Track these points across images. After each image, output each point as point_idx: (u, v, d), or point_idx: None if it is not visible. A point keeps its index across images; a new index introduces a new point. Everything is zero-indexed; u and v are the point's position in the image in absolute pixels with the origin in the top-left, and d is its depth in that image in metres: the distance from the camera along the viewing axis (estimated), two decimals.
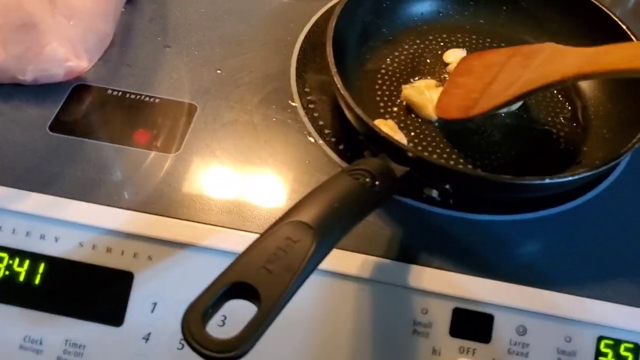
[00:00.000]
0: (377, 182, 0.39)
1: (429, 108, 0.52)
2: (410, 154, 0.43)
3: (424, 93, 0.53)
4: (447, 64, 0.57)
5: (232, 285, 0.32)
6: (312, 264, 0.33)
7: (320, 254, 0.34)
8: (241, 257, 0.33)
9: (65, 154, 0.48)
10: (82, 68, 0.52)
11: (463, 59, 0.55)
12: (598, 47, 0.44)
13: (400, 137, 0.50)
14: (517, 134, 0.52)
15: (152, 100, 0.52)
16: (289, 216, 0.35)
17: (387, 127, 0.50)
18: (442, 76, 0.56)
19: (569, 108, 0.55)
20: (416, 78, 0.55)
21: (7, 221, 0.44)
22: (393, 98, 0.54)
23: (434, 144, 0.51)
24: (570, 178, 0.43)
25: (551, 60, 0.47)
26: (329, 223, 0.35)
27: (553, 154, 0.52)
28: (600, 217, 0.48)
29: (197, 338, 0.29)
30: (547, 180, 0.42)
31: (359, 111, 0.45)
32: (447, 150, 0.51)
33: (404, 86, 0.54)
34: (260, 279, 0.32)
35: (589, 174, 0.43)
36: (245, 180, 0.48)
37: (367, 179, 0.39)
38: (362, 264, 0.43)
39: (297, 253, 0.33)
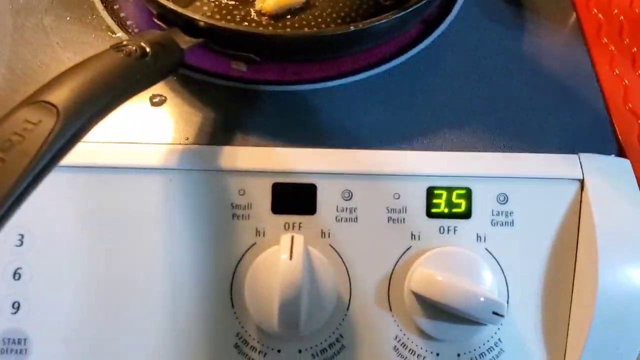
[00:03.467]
0: (148, 51, 0.34)
1: None
2: (201, 24, 0.39)
3: None
4: None
5: None
6: (55, 148, 0.29)
7: (67, 135, 0.29)
8: None
9: None
10: None
11: None
12: None
13: None
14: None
15: None
16: (30, 98, 0.30)
17: None
18: None
19: None
20: None
21: None
22: None
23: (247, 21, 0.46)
24: (376, 23, 0.39)
25: None
26: (78, 101, 0.30)
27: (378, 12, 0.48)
28: (423, 73, 0.45)
29: None
30: (352, 28, 0.38)
31: None
32: (261, 26, 0.46)
33: None
34: None
35: (396, 16, 0.40)
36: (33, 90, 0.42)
37: (134, 49, 0.34)
38: (168, 153, 0.39)
39: (36, 136, 0.28)
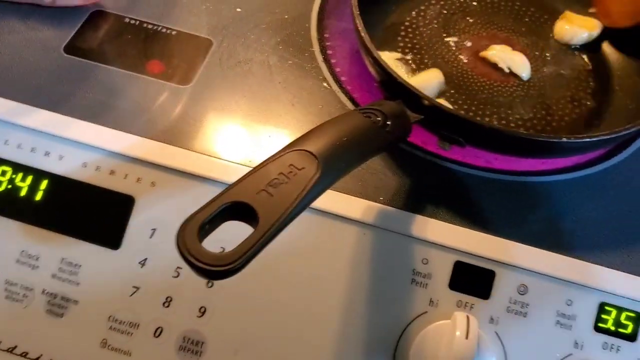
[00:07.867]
0: (388, 123, 0.38)
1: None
2: (425, 102, 0.42)
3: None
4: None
5: (231, 205, 0.31)
6: (313, 193, 0.33)
7: (323, 184, 0.33)
8: (243, 179, 0.32)
9: (78, 76, 0.48)
10: None
11: None
12: None
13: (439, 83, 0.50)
14: (537, 97, 0.51)
15: (168, 32, 0.52)
16: (294, 145, 0.34)
17: (433, 74, 0.50)
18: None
19: (594, 76, 0.53)
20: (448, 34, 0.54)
21: (13, 135, 0.43)
22: (415, 51, 0.53)
23: (460, 102, 0.50)
24: (587, 140, 0.42)
25: None
26: (334, 155, 0.34)
27: (573, 119, 0.50)
28: (613, 187, 0.47)
29: (191, 250, 0.29)
30: (564, 140, 0.41)
31: (376, 54, 0.44)
32: (465, 107, 0.50)
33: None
34: (260, 201, 0.31)
35: (606, 137, 0.42)
36: (254, 118, 0.47)
37: (379, 118, 0.38)
38: (366, 209, 0.42)
39: (300, 180, 0.33)
